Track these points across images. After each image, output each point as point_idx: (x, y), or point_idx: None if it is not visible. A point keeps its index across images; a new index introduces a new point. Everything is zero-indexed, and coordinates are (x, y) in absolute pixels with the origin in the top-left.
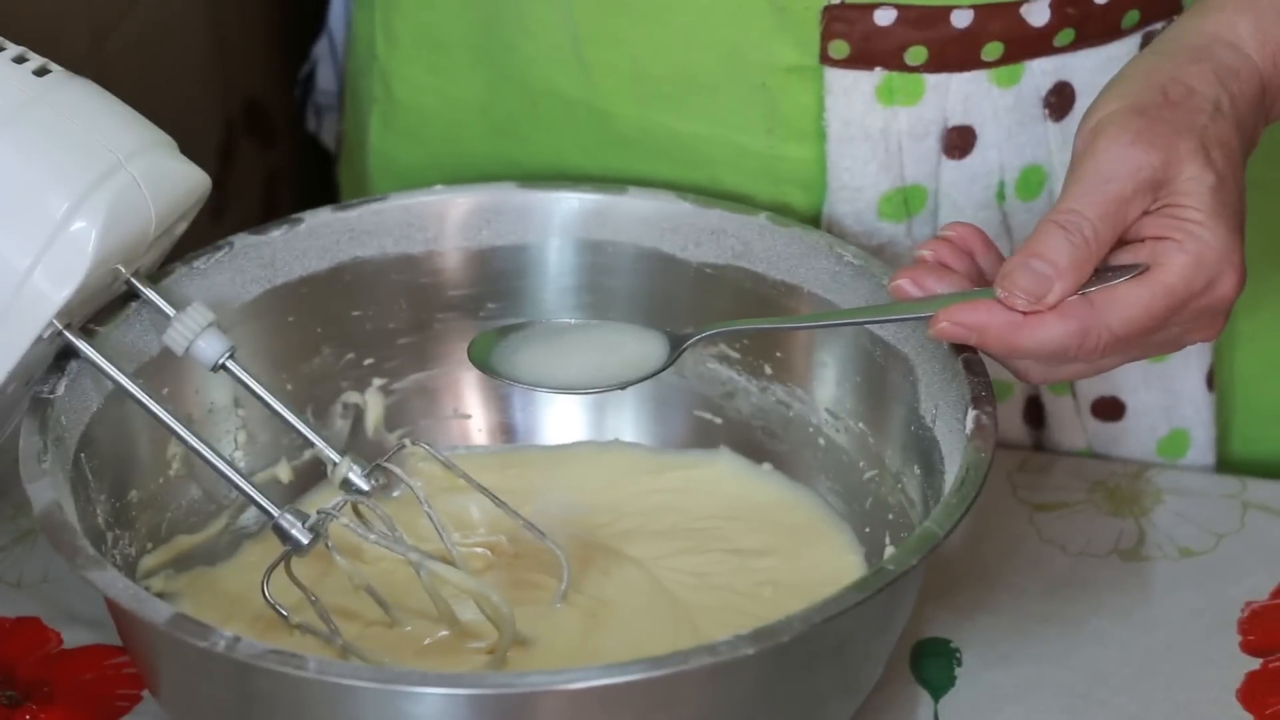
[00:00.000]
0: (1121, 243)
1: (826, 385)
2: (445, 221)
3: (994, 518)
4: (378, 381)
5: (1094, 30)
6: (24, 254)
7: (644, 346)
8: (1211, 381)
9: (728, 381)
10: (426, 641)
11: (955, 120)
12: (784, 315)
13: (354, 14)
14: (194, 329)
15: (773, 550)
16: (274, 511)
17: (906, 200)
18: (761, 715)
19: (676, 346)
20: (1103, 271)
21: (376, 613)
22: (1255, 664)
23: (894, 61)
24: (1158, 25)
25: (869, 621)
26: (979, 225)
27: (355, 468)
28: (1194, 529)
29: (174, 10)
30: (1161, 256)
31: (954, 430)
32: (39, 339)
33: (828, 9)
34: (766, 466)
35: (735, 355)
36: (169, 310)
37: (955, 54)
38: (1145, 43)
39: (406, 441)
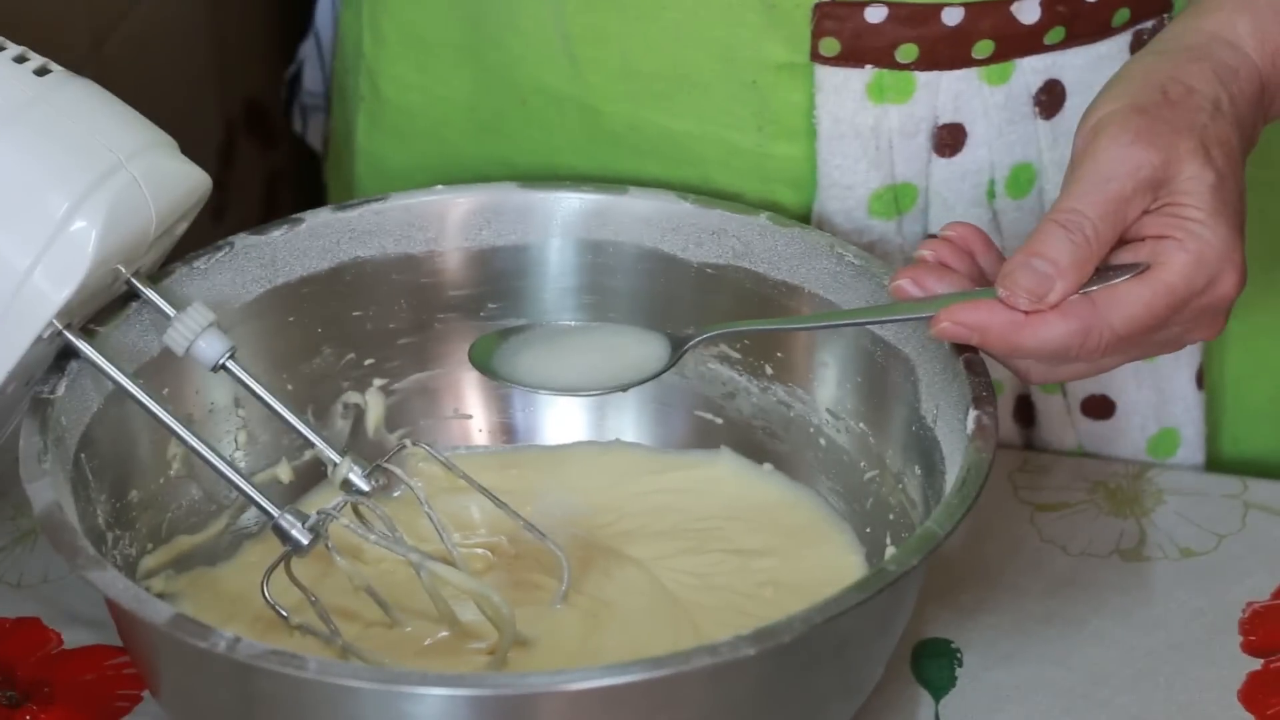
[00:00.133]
0: (1122, 242)
1: (827, 385)
2: (446, 221)
3: (995, 518)
4: (378, 382)
5: (1084, 28)
6: (24, 254)
7: (645, 348)
8: (1201, 381)
9: (729, 382)
10: (427, 642)
11: (946, 118)
12: (785, 315)
13: (341, 13)
14: (194, 329)
15: (774, 550)
16: (274, 512)
17: (897, 198)
18: (762, 716)
19: (678, 348)
20: (1103, 271)
21: (377, 613)
22: (1256, 664)
23: (885, 59)
24: (1148, 23)
25: (870, 622)
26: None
27: (356, 468)
28: (1195, 529)
29: (174, 10)
30: (1162, 255)
31: (955, 430)
32: (39, 339)
33: (818, 6)
34: (767, 467)
35: (736, 355)
36: (169, 310)
37: (946, 52)
38: (1135, 40)
39: (407, 442)
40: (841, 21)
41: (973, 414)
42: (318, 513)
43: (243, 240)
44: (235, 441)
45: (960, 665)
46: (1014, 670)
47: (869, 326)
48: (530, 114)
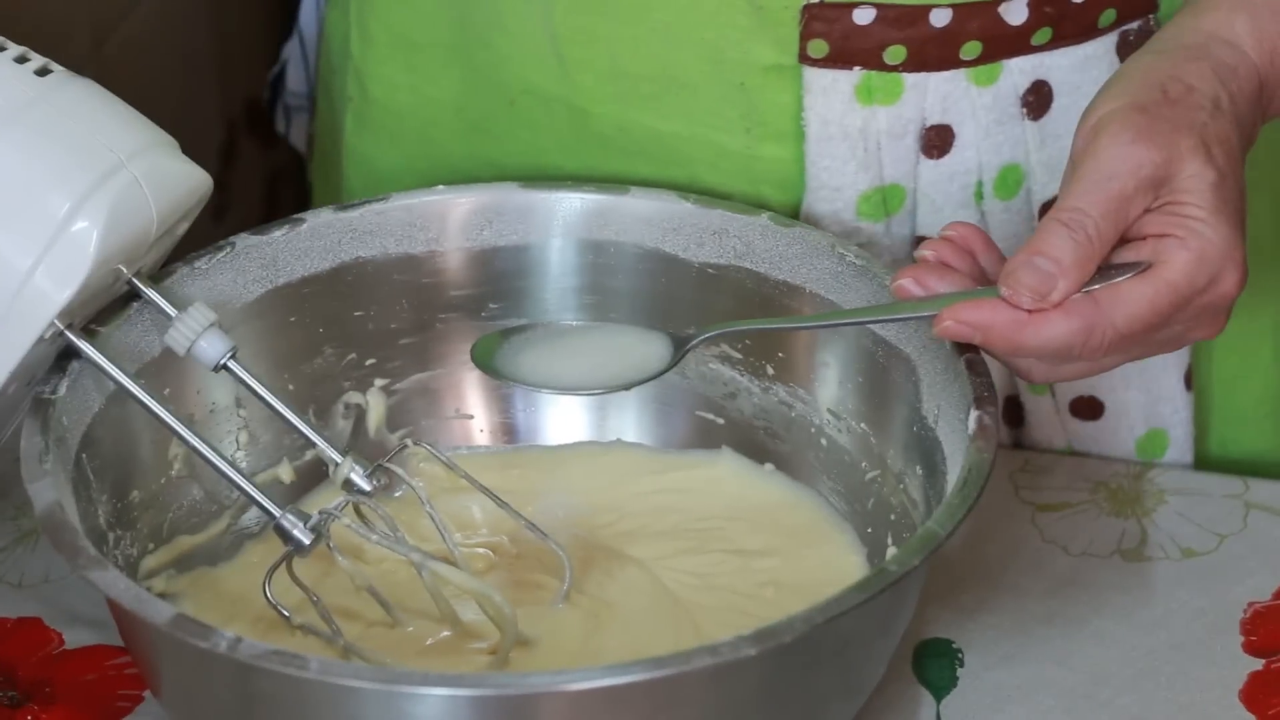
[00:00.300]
0: (1123, 241)
1: (828, 385)
2: (447, 221)
3: (996, 518)
4: (379, 382)
5: (1071, 29)
6: (26, 254)
7: (647, 348)
8: (1190, 382)
9: (730, 382)
10: (429, 642)
11: (934, 119)
12: (786, 315)
13: (326, 13)
14: (196, 329)
15: (775, 551)
16: (276, 512)
17: (885, 199)
18: (763, 716)
19: (679, 348)
20: (1105, 270)
21: (378, 613)
22: (1258, 664)
23: (873, 61)
24: (1134, 24)
25: (871, 622)
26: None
27: (357, 468)
28: (1196, 529)
29: (175, 10)
30: (1164, 254)
31: (956, 431)
32: (41, 339)
33: (807, 8)
34: (768, 467)
35: (737, 355)
36: (170, 310)
37: (934, 53)
38: (1121, 41)
39: (408, 442)
40: (830, 23)
41: (974, 414)
42: (319, 512)
43: (244, 240)
44: (237, 441)
45: (961, 665)
46: (1015, 670)
47: (870, 326)
48: (519, 115)
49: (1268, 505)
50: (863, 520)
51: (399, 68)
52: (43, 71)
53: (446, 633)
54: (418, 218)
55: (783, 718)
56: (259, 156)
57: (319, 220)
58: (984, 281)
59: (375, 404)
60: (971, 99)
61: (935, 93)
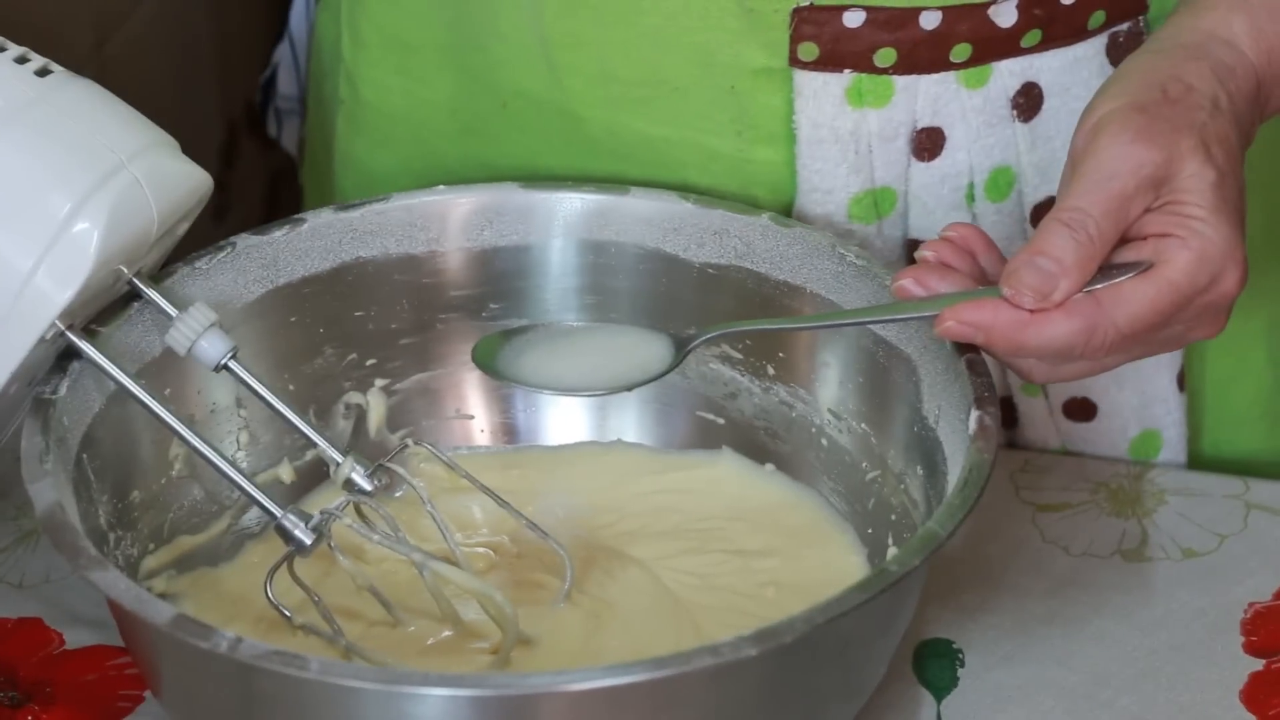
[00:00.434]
0: (1124, 241)
1: (829, 386)
2: (447, 222)
3: (997, 518)
4: (380, 382)
5: (1060, 31)
6: (26, 255)
7: (648, 348)
8: (1183, 383)
9: (730, 382)
10: (430, 642)
11: (924, 122)
12: (787, 316)
13: (317, 16)
14: (196, 329)
15: (775, 551)
16: (276, 512)
17: (876, 202)
18: (764, 716)
19: (681, 348)
20: (1106, 269)
21: (379, 613)
22: (1258, 665)
23: (863, 63)
24: (1123, 25)
25: (871, 622)
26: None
27: (358, 468)
28: (1197, 530)
29: (176, 11)
30: (1165, 253)
31: (957, 431)
32: (41, 340)
33: (797, 11)
34: (769, 467)
35: (738, 356)
36: (171, 311)
37: (924, 55)
38: (1111, 43)
39: (409, 442)
40: (820, 26)
41: (975, 414)
42: (320, 512)
43: (244, 240)
44: (237, 442)
45: (962, 665)
46: (1016, 670)
47: (871, 326)
48: (511, 117)
49: (1268, 505)
50: (863, 520)
51: (391, 70)
52: (43, 72)
53: (448, 632)
54: (418, 218)
55: (783, 718)
56: (259, 156)
57: (319, 220)
58: (984, 282)
59: (376, 404)
60: (962, 101)
61: (926, 95)
